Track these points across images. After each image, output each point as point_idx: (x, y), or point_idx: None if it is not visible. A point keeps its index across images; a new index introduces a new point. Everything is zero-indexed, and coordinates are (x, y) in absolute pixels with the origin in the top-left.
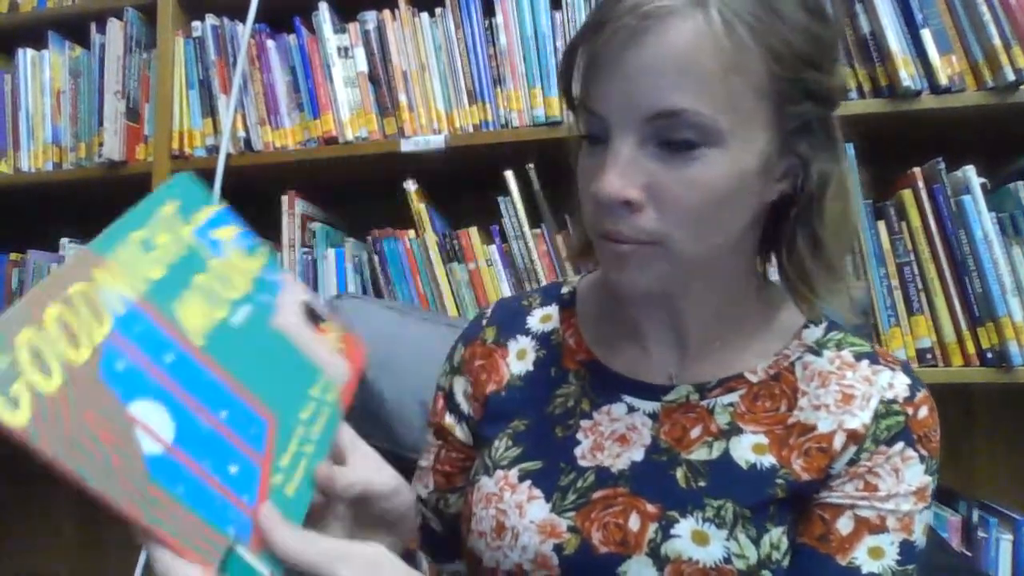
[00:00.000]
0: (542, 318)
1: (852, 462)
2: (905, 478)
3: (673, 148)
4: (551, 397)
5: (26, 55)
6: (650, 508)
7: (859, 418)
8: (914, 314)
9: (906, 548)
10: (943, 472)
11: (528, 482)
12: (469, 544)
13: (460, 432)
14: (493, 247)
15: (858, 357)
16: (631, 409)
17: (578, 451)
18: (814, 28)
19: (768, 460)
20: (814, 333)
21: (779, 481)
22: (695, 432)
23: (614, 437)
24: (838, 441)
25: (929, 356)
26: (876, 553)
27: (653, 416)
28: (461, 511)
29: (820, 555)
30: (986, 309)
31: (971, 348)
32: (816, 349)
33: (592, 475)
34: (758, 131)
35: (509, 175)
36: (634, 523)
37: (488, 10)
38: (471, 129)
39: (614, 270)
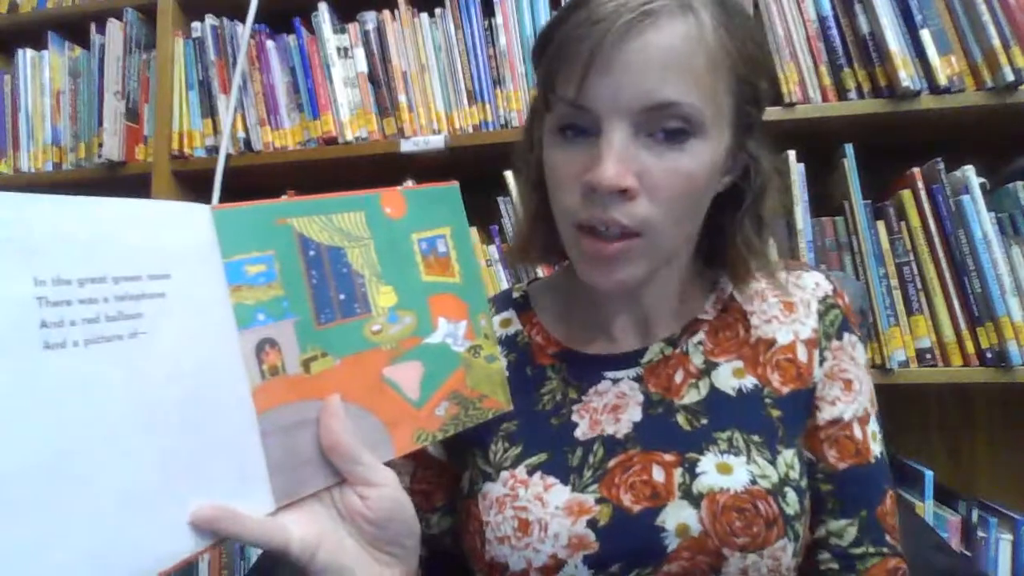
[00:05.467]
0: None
1: (822, 362)
2: (858, 359)
3: (663, 138)
4: (538, 396)
5: (26, 55)
6: (668, 457)
7: (808, 325)
8: (913, 314)
9: (877, 417)
10: (943, 471)
11: (539, 473)
12: (488, 555)
13: (432, 448)
14: (493, 247)
15: (775, 270)
16: (615, 381)
17: (578, 432)
18: (759, 39)
19: (750, 381)
20: None
21: (767, 401)
22: (679, 377)
23: (607, 409)
24: (801, 351)
25: (928, 356)
26: (874, 436)
27: (637, 379)
28: (447, 532)
29: (861, 468)
30: (985, 309)
31: (971, 348)
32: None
33: (600, 447)
34: (725, 127)
35: (509, 175)
36: (659, 475)
37: (488, 11)
38: (471, 129)
39: (598, 268)
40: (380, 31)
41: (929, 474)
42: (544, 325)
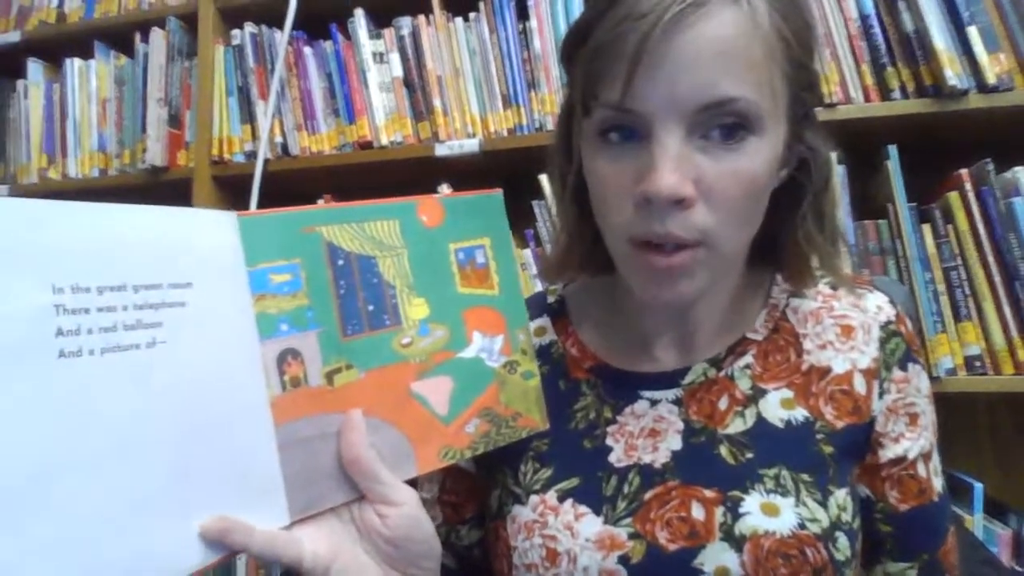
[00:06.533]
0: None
1: (882, 395)
2: (923, 390)
3: (719, 138)
4: (571, 413)
5: (73, 65)
6: (708, 494)
7: (868, 354)
8: (962, 320)
9: (938, 448)
10: (993, 483)
11: (570, 500)
12: None
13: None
14: (528, 251)
15: (834, 287)
16: (653, 403)
17: (612, 457)
18: (808, 18)
19: (800, 413)
20: None
21: (819, 436)
22: (723, 404)
23: (644, 434)
24: (858, 382)
25: (978, 364)
26: (936, 471)
27: (677, 402)
28: (476, 544)
29: (924, 508)
30: None
31: (1023, 355)
32: (796, 291)
33: (636, 476)
34: (782, 119)
35: (544, 179)
36: (698, 512)
37: (522, 14)
38: (505, 133)
39: (658, 283)
40: (415, 36)
41: (979, 487)
42: (580, 336)
